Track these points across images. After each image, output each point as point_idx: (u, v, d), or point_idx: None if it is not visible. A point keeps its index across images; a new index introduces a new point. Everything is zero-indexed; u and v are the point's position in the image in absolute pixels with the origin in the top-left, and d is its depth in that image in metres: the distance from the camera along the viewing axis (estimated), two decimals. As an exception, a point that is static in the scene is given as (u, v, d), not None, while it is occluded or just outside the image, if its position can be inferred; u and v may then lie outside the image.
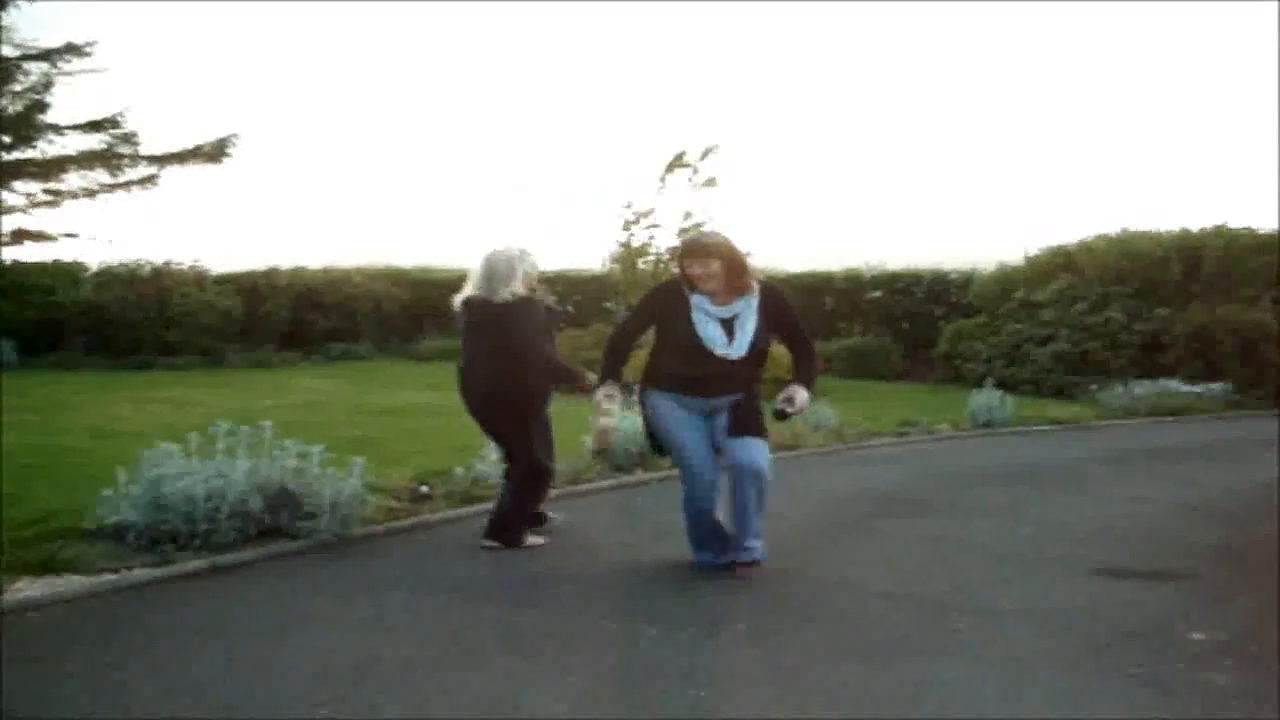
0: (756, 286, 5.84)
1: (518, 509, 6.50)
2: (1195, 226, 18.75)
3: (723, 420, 5.85)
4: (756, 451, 5.75)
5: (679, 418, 5.84)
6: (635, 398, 6.10)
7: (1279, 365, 16.45)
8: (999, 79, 42.28)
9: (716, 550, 5.97)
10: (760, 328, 5.80)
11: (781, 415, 5.82)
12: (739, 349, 5.75)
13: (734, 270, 5.77)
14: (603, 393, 5.91)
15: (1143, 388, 15.56)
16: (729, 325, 5.77)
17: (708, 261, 5.74)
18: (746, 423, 5.81)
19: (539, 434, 6.60)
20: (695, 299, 5.80)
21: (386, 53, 46.28)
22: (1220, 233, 18.30)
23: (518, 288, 6.38)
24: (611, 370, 5.99)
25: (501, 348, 6.35)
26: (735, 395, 5.85)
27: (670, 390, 5.86)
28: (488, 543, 6.38)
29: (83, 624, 4.82)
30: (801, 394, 5.80)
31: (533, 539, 6.51)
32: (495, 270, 6.44)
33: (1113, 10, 43.88)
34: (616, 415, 6.02)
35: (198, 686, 4.09)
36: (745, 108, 39.92)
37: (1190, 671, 4.43)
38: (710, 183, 17.58)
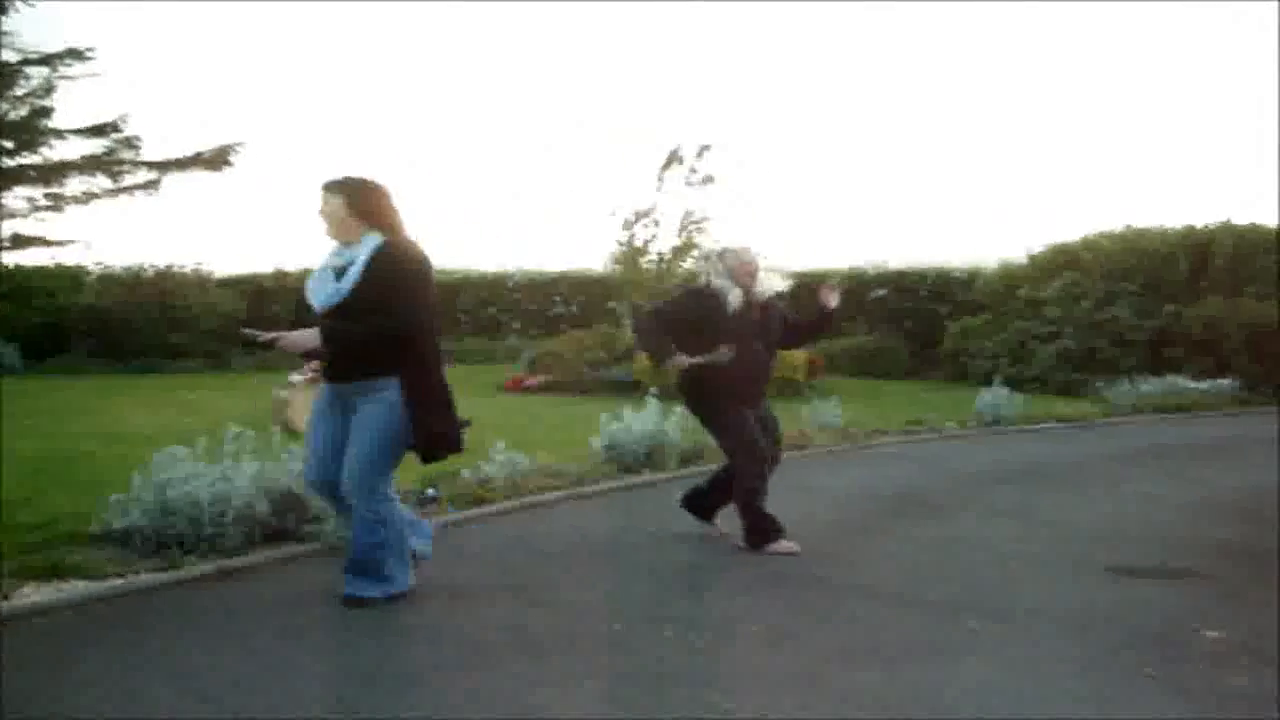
0: (381, 238, 5.03)
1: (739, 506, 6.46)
2: (1198, 223, 18.76)
3: (351, 421, 5.08)
4: (371, 491, 5.05)
5: (318, 405, 5.23)
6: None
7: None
8: (999, 76, 42.28)
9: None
10: (359, 283, 4.92)
11: (251, 339, 5.12)
12: (323, 298, 4.97)
13: (354, 210, 5.02)
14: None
15: (1150, 384, 15.52)
16: (340, 275, 5.02)
17: (325, 197, 5.04)
18: (358, 425, 5.04)
19: (718, 424, 6.48)
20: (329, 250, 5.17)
21: (388, 55, 46.28)
22: (1229, 229, 18.27)
23: (715, 280, 6.47)
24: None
25: None
26: (356, 384, 5.03)
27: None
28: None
29: (90, 628, 4.77)
30: (296, 336, 4.97)
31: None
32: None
33: (1112, 7, 43.88)
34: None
35: (209, 691, 4.05)
36: (746, 105, 39.94)
37: (1209, 673, 4.38)
38: (708, 180, 17.60)
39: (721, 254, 6.54)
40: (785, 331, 6.73)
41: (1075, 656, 4.57)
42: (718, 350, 6.26)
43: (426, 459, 5.19)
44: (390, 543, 5.14)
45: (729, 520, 6.63)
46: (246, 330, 5.08)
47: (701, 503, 6.83)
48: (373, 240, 5.00)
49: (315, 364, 5.17)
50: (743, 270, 6.43)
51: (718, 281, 6.43)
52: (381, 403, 5.00)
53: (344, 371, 5.03)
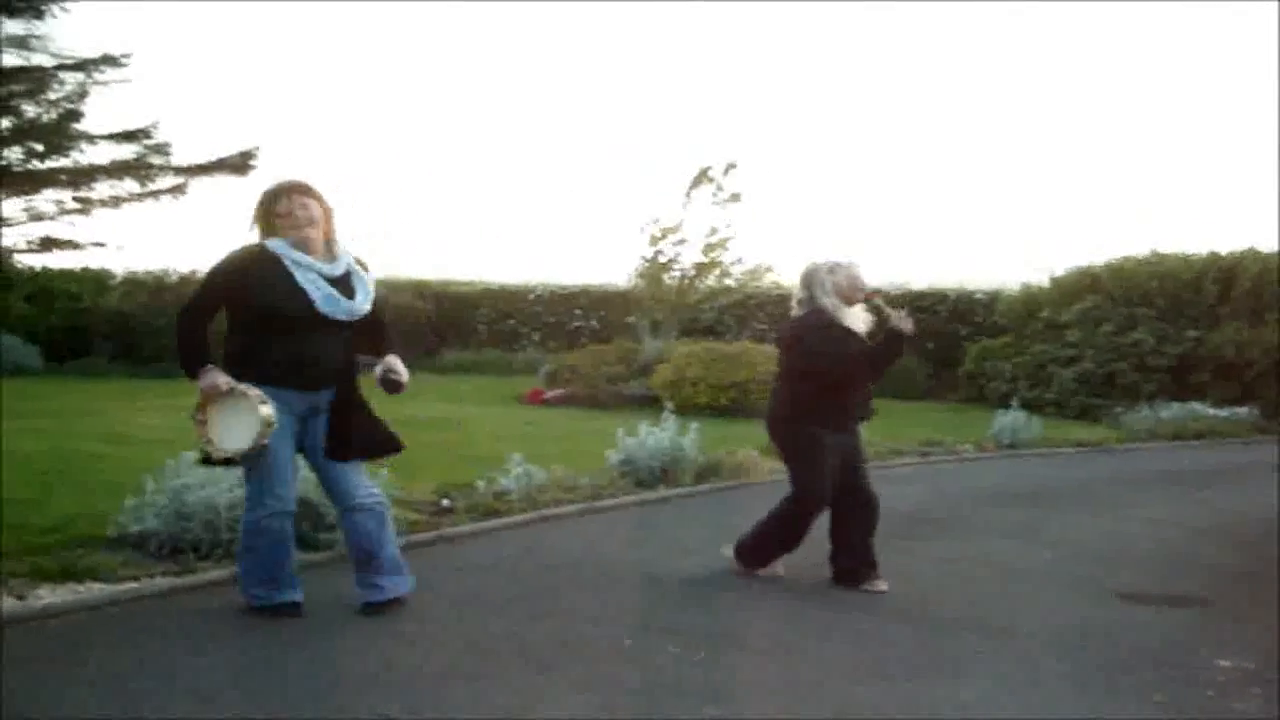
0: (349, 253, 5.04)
1: (766, 532, 6.20)
2: (1223, 249, 18.66)
3: (319, 427, 4.97)
4: (367, 484, 5.12)
5: (283, 423, 4.87)
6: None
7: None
8: (1026, 98, 42.24)
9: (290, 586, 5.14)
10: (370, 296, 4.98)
11: (395, 387, 4.97)
12: (361, 306, 4.89)
13: (329, 220, 4.94)
14: (223, 382, 4.82)
15: (1169, 410, 15.42)
16: (343, 285, 4.91)
17: (308, 202, 4.84)
18: (351, 438, 5.01)
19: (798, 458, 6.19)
20: (293, 255, 4.82)
21: (413, 65, 46.55)
22: (1254, 255, 18.16)
23: (823, 299, 6.11)
24: (202, 357, 4.98)
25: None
26: (333, 389, 4.96)
27: (269, 382, 4.81)
28: (727, 553, 6.32)
29: (103, 631, 4.83)
30: (401, 363, 4.97)
31: (772, 569, 6.26)
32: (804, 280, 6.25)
33: (1139, 33, 43.84)
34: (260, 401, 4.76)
35: (212, 694, 4.10)
36: (770, 125, 40.03)
37: (1215, 699, 4.38)
38: (734, 198, 17.64)
39: (832, 268, 6.14)
40: None
41: (1079, 678, 4.58)
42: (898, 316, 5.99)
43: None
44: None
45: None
46: (385, 372, 4.96)
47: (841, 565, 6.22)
48: (350, 254, 5.03)
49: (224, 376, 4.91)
50: (852, 287, 6.14)
51: (826, 300, 6.10)
52: None
53: (338, 376, 4.98)
